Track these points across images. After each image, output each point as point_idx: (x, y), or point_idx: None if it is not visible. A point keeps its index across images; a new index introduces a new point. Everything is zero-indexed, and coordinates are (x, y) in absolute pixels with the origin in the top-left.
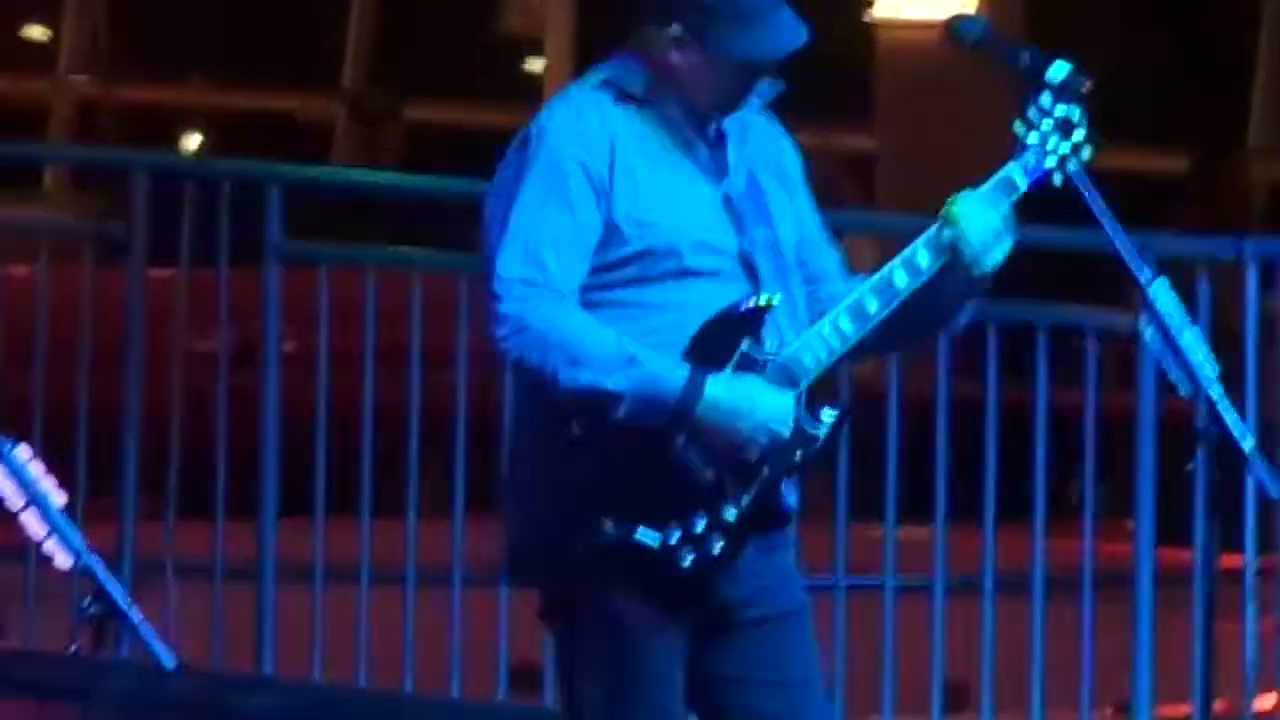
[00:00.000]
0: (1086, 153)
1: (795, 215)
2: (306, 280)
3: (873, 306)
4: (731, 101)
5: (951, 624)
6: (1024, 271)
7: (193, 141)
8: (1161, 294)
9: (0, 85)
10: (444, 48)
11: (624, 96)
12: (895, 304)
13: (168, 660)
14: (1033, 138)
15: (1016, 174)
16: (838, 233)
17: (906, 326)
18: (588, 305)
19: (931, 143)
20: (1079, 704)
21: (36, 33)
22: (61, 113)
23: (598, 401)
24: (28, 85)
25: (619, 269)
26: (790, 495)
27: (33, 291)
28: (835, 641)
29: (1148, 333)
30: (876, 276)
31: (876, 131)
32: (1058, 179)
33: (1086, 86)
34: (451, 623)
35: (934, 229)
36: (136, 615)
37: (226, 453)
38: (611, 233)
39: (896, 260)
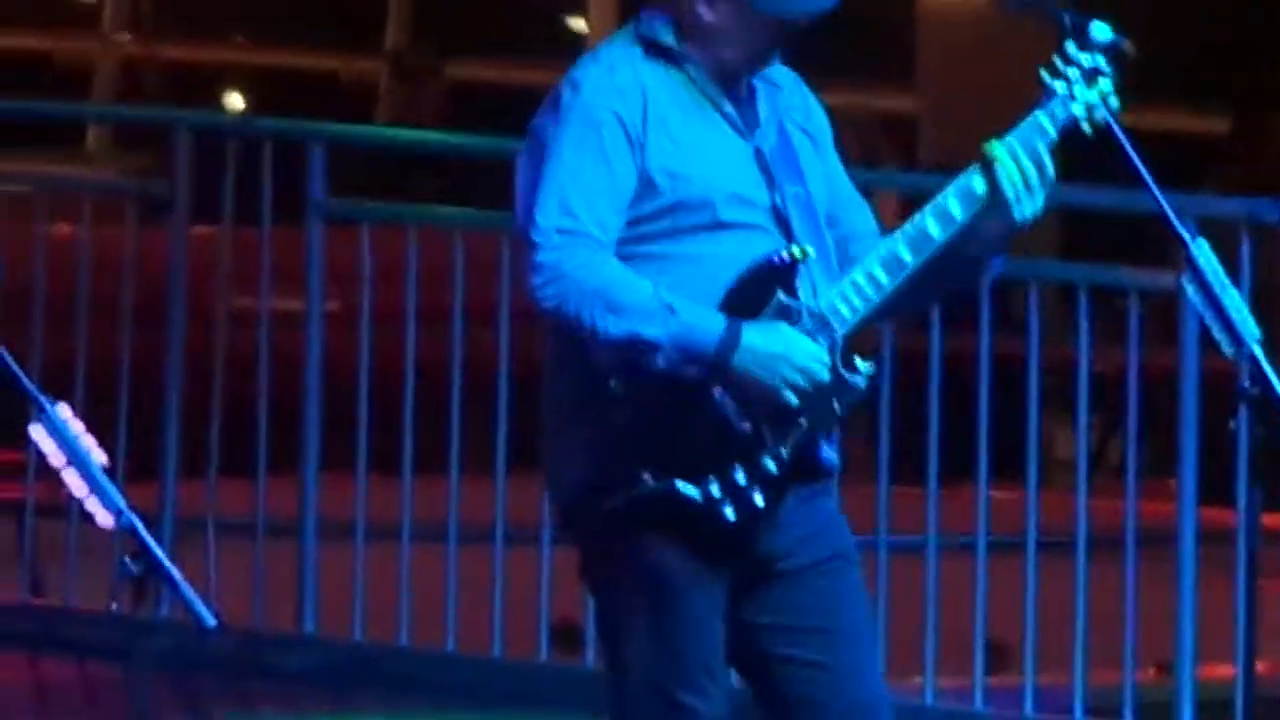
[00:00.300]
0: (1114, 101)
1: (826, 175)
2: (349, 238)
3: (908, 256)
4: (760, 58)
5: (994, 584)
6: (1066, 232)
7: (235, 100)
8: (1203, 254)
9: (44, 44)
10: (486, 6)
11: (655, 51)
12: (930, 253)
13: (208, 619)
14: (1059, 86)
15: (1044, 121)
16: (876, 193)
17: (937, 279)
18: (622, 258)
19: (974, 104)
20: (1121, 664)
21: None
22: (105, 71)
23: (635, 350)
24: (71, 44)
25: (652, 221)
26: (830, 450)
27: (76, 249)
28: (877, 601)
29: (1190, 291)
30: (909, 226)
31: (918, 93)
32: (1086, 128)
33: (1129, 48)
34: (493, 581)
35: (965, 176)
36: (177, 573)
37: (268, 410)
38: (645, 184)
39: (927, 209)
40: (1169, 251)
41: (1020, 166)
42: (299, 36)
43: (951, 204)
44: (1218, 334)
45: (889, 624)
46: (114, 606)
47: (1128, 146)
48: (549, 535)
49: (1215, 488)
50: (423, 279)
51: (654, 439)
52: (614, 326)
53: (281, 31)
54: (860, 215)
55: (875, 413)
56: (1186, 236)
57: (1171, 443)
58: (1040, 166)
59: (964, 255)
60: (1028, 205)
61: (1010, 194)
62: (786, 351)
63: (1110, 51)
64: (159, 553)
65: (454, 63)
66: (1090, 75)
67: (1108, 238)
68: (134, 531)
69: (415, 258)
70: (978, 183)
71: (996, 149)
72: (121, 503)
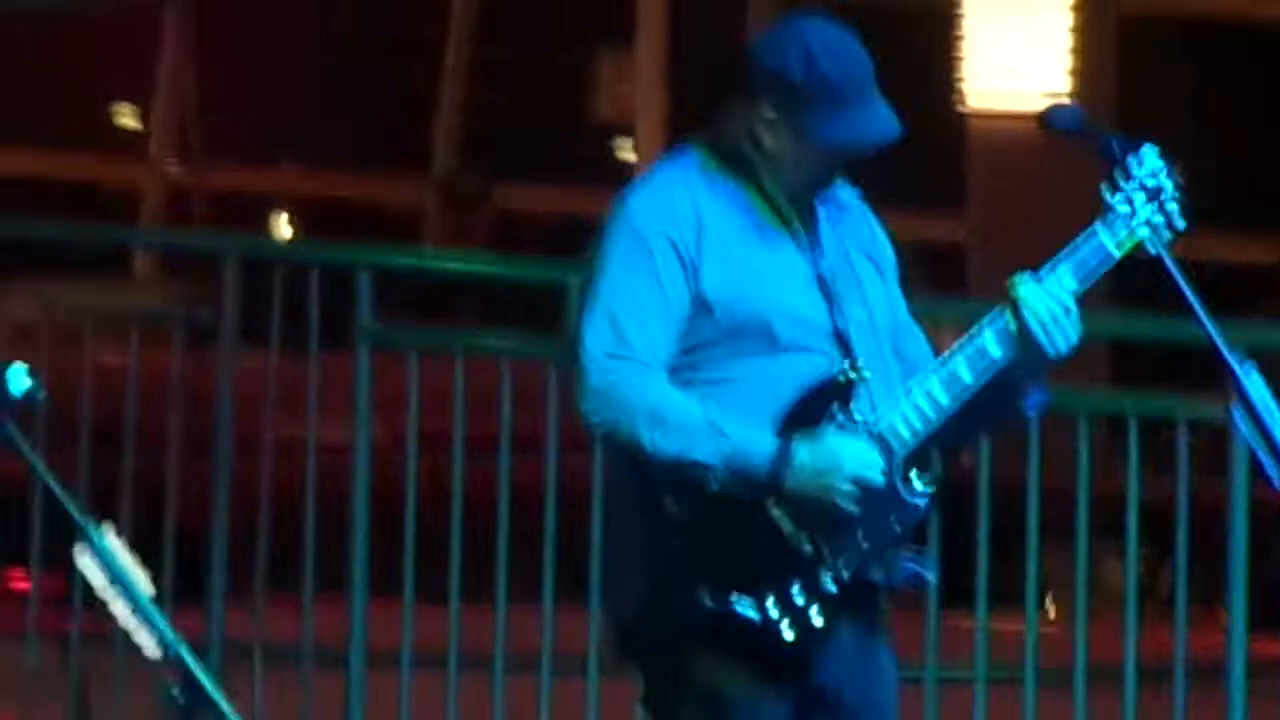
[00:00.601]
0: (1181, 223)
1: (889, 301)
2: (396, 365)
3: (967, 376)
4: (819, 183)
5: (1043, 714)
6: (1115, 361)
7: (283, 226)
8: (1253, 384)
9: (91, 169)
10: (534, 133)
11: (713, 170)
12: (990, 373)
13: None
14: (1121, 205)
15: (1105, 239)
16: (930, 321)
17: (980, 411)
18: (680, 383)
19: (1023, 231)
20: None
21: (127, 117)
22: (152, 197)
23: (688, 472)
24: (118, 169)
25: (710, 346)
26: (919, 565)
27: (123, 376)
28: None
29: (1239, 421)
30: (967, 345)
31: (968, 221)
32: (1151, 248)
33: (1178, 175)
34: (539, 710)
35: (999, 311)
36: (224, 702)
37: (315, 538)
38: (700, 307)
39: (986, 328)
40: (1219, 381)
41: (1043, 307)
42: (346, 163)
43: (1011, 323)
44: (1267, 464)
45: None
46: None
47: (1177, 274)
48: (596, 665)
49: (1265, 618)
50: (470, 406)
51: (711, 558)
52: (665, 449)
53: (329, 158)
54: (917, 347)
55: (924, 543)
56: (1236, 366)
57: (1221, 573)
58: (1066, 307)
59: (1005, 385)
60: (1059, 339)
61: (1039, 332)
62: (838, 463)
63: (1167, 173)
64: (206, 682)
65: (502, 189)
66: (1153, 194)
67: (1157, 366)
68: (180, 659)
69: (463, 384)
70: (1009, 321)
71: (1020, 289)
72: (169, 634)
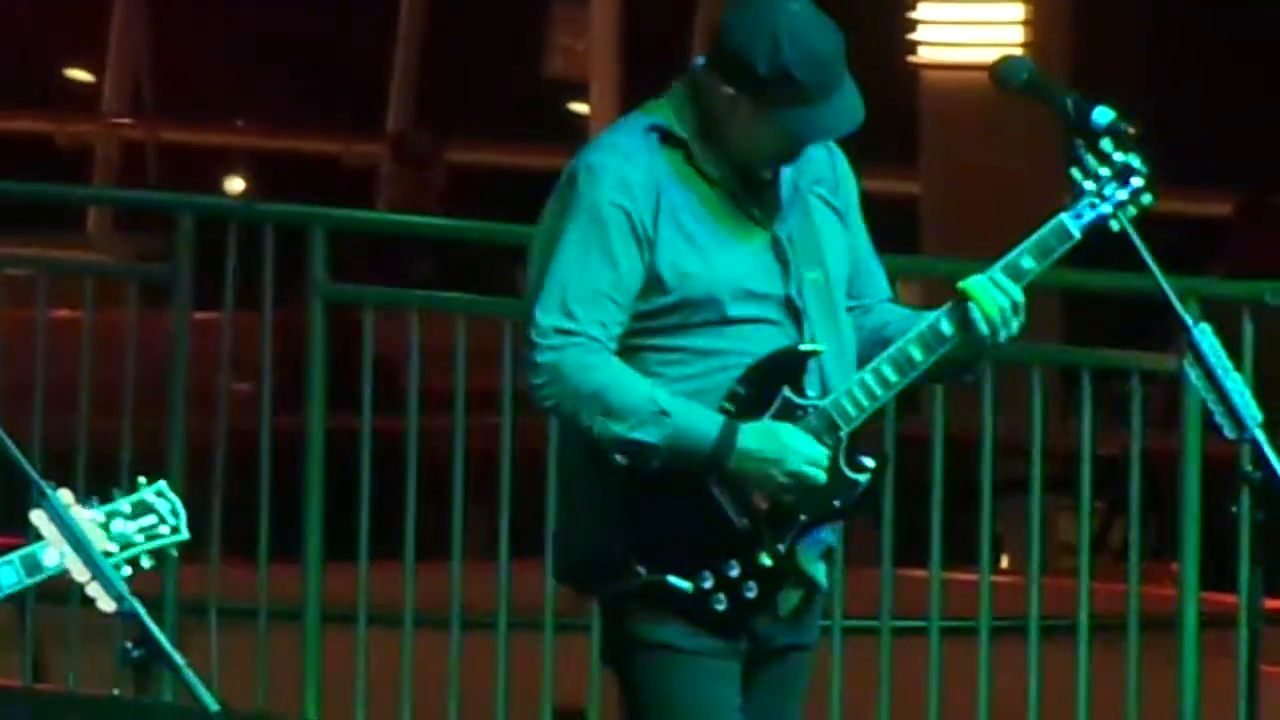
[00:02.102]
0: (1147, 199)
1: (848, 246)
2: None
3: (919, 355)
4: (778, 161)
5: (997, 667)
6: (1068, 315)
7: (237, 183)
8: (1205, 337)
9: (44, 127)
10: (487, 90)
11: (674, 140)
12: (941, 352)
13: (211, 703)
14: (1089, 185)
15: (1069, 223)
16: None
17: (932, 373)
18: (632, 350)
19: (977, 186)
20: None
21: (80, 75)
22: (106, 154)
23: (632, 452)
24: (71, 127)
25: (660, 316)
26: (828, 533)
27: (77, 333)
28: (881, 685)
29: (1192, 375)
30: (924, 324)
31: (921, 175)
32: (1115, 225)
33: (1133, 131)
34: (496, 666)
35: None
36: (180, 658)
37: (270, 495)
38: (653, 280)
39: (941, 312)
40: (1172, 335)
41: (991, 305)
42: (300, 120)
43: (957, 309)
44: (1220, 417)
45: (892, 708)
46: (116, 692)
47: (1132, 231)
48: (552, 621)
49: (1217, 571)
50: (424, 363)
51: (651, 529)
52: (610, 429)
53: (282, 115)
54: (877, 283)
55: (879, 497)
56: (1189, 320)
57: (1174, 526)
58: (1014, 303)
59: (954, 358)
60: (1003, 333)
61: (984, 330)
62: (781, 456)
63: (1116, 135)
64: (161, 638)
65: (455, 146)
66: (1123, 173)
67: (1110, 321)
68: (136, 617)
69: (417, 342)
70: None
71: (971, 287)
72: (124, 588)
